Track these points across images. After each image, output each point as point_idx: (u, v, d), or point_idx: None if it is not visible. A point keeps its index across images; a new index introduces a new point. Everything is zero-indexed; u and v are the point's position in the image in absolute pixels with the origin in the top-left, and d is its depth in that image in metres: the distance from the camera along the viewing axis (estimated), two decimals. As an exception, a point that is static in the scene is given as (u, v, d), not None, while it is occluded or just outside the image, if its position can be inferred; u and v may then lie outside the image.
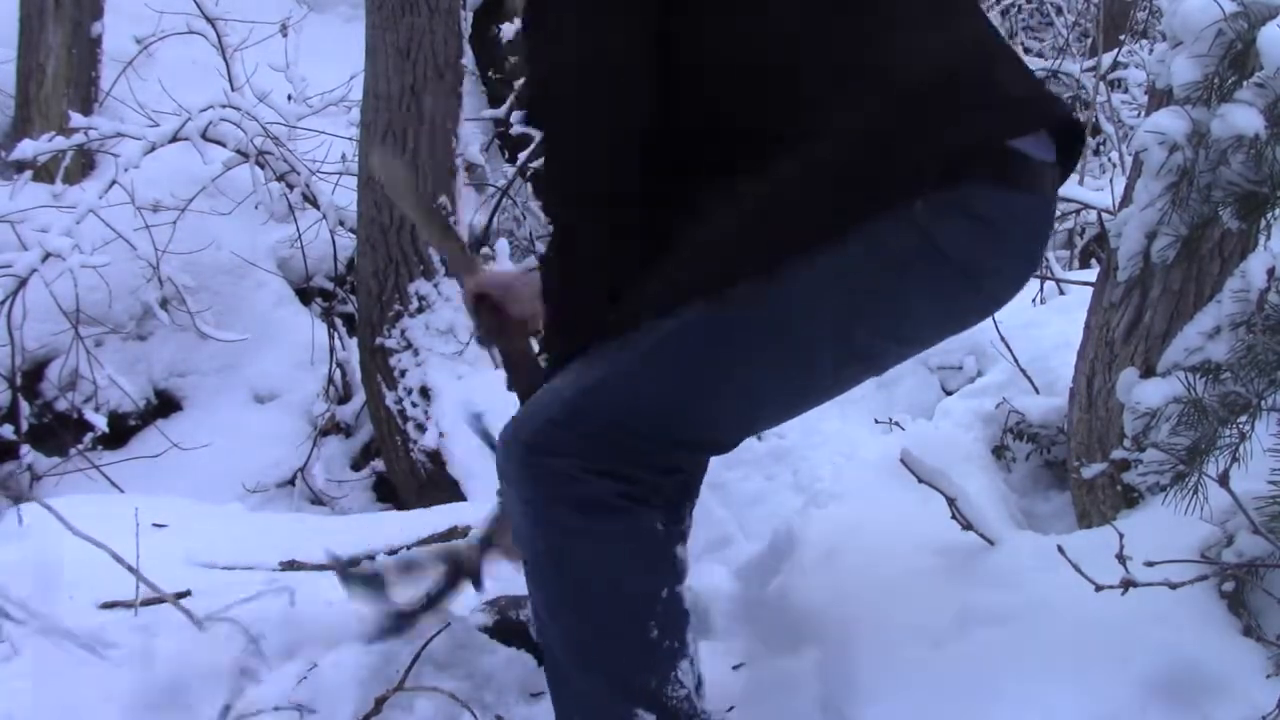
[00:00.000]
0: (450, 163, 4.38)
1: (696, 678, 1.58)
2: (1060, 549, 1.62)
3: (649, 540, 1.55)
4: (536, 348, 1.90)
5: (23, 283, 4.33)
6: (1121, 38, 6.20)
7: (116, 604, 2.09)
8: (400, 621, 1.90)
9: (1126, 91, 6.08)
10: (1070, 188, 4.83)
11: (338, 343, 5.25)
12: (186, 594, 2.05)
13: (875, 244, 1.43)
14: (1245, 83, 1.75)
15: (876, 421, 3.04)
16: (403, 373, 4.31)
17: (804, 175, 1.42)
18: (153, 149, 4.65)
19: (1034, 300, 3.65)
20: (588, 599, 1.53)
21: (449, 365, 4.33)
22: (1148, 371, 2.03)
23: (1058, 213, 5.29)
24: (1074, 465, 2.24)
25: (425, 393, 4.29)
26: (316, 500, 4.89)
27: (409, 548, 2.49)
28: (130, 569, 2.03)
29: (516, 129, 6.38)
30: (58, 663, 1.83)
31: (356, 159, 4.66)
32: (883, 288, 1.48)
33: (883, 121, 1.41)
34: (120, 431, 4.92)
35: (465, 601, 2.17)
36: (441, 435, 4.22)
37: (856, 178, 1.41)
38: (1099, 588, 1.57)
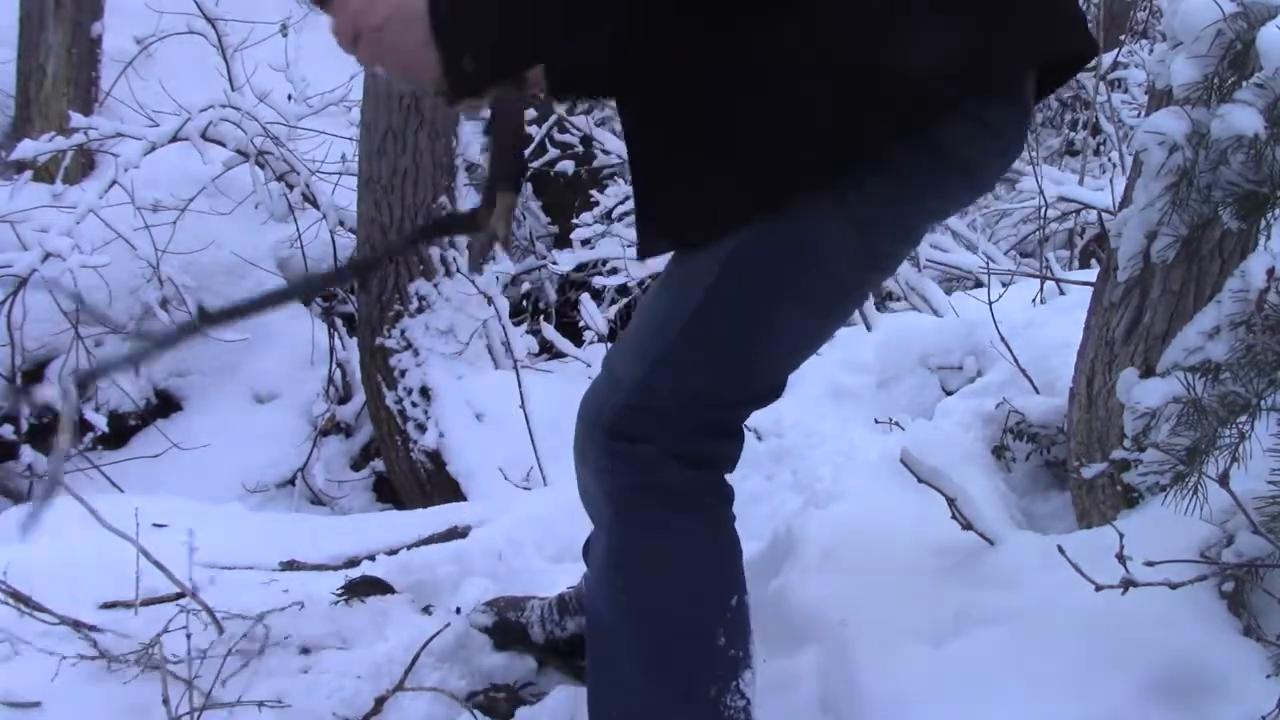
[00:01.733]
0: (450, 163, 4.38)
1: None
2: (1060, 549, 1.62)
3: (725, 542, 1.54)
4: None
5: (22, 282, 4.33)
6: (1121, 38, 6.20)
7: (117, 604, 2.09)
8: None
9: (1126, 91, 6.08)
10: (1070, 188, 4.83)
11: (338, 343, 5.25)
12: (185, 594, 2.06)
13: (904, 167, 1.39)
14: (1245, 83, 1.75)
15: (876, 421, 3.04)
16: (403, 373, 4.31)
17: (853, 83, 1.32)
18: (153, 149, 4.65)
19: (1034, 300, 3.65)
20: (661, 598, 1.51)
21: (449, 365, 4.34)
22: (1148, 371, 2.03)
23: (1057, 213, 5.26)
24: (1074, 465, 2.24)
25: (425, 393, 4.30)
26: (316, 500, 4.89)
27: (409, 547, 2.49)
28: (158, 564, 2.03)
29: (516, 129, 6.36)
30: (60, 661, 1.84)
31: (356, 159, 4.66)
32: (904, 203, 1.46)
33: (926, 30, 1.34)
34: (120, 431, 4.93)
35: (465, 603, 2.18)
36: (441, 435, 4.22)
37: (896, 94, 1.33)
38: (1099, 588, 1.57)
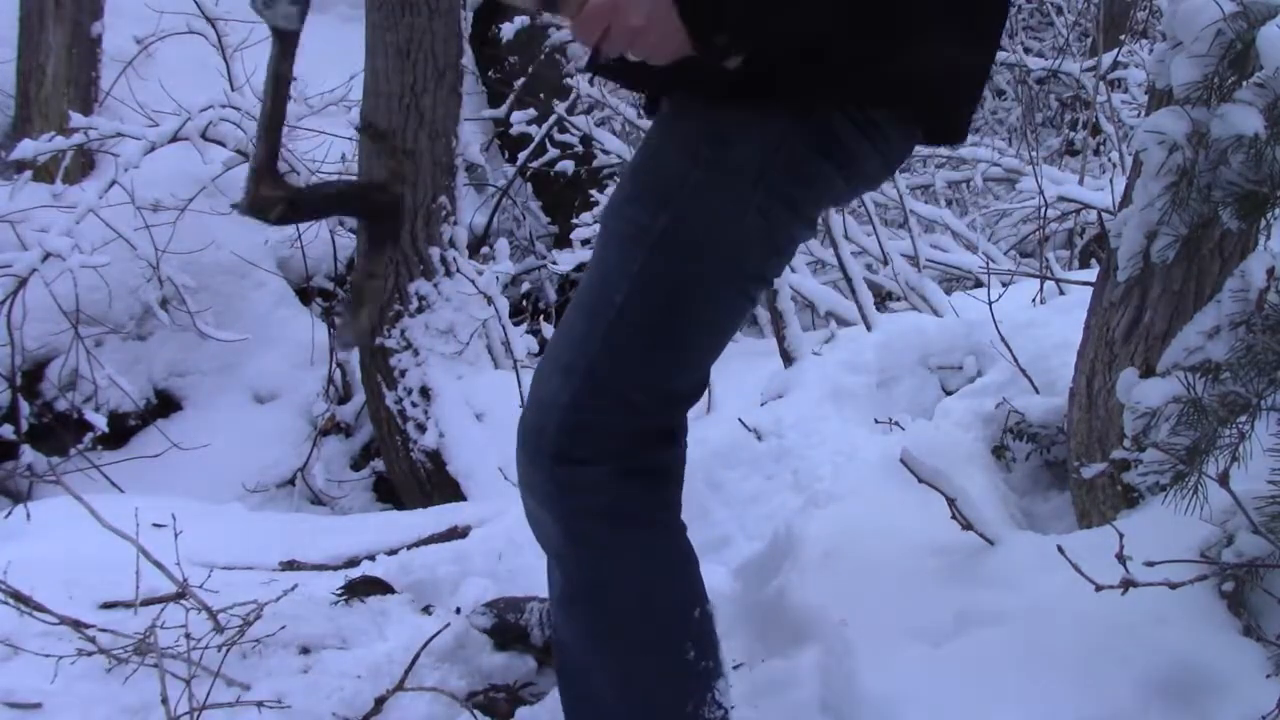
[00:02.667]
0: (450, 163, 4.38)
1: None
2: (1060, 549, 1.62)
3: (681, 555, 1.54)
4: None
5: (22, 282, 4.33)
6: (1121, 38, 6.20)
7: (117, 604, 2.09)
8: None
9: (1126, 91, 6.08)
10: (1070, 188, 4.83)
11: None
12: (185, 594, 2.06)
13: (824, 128, 1.44)
14: (1245, 83, 1.75)
15: (876, 421, 3.04)
16: (403, 373, 4.31)
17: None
18: (153, 149, 4.65)
19: (1034, 300, 3.65)
20: (626, 621, 1.51)
21: (449, 365, 4.33)
22: (1148, 371, 2.03)
23: (1057, 213, 5.25)
24: (1074, 465, 2.24)
25: (425, 393, 4.30)
26: (316, 500, 4.89)
27: (409, 548, 2.49)
28: (158, 564, 2.03)
29: (516, 129, 6.38)
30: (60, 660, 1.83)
31: (356, 159, 4.67)
32: (804, 167, 1.47)
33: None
34: (120, 431, 4.93)
35: (465, 603, 2.18)
36: (441, 435, 4.22)
37: (865, 66, 1.41)
38: (1099, 588, 1.57)
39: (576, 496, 1.49)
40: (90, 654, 1.86)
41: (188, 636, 1.83)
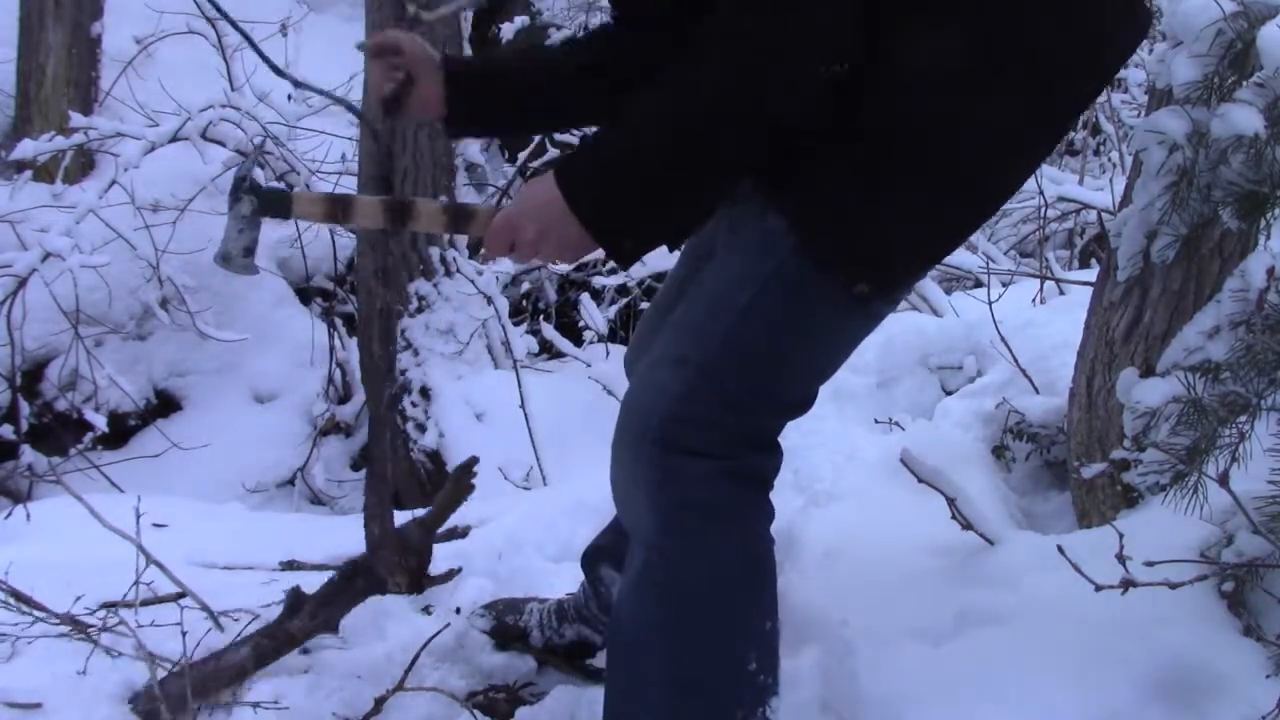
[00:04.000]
0: (450, 163, 4.38)
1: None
2: (1060, 549, 1.62)
3: (765, 565, 1.54)
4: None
5: (22, 282, 4.33)
6: (1121, 38, 6.17)
7: (117, 604, 2.09)
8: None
9: (1126, 91, 6.07)
10: (1070, 187, 4.83)
11: (338, 343, 5.25)
12: (185, 594, 2.06)
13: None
14: (1245, 82, 1.75)
15: (876, 421, 3.04)
16: (403, 372, 4.31)
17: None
18: (153, 149, 4.65)
19: (1034, 300, 3.65)
20: (698, 619, 1.49)
21: (449, 365, 4.33)
22: (1148, 371, 2.03)
23: (1057, 213, 5.25)
24: (1074, 465, 2.24)
25: (425, 393, 4.30)
26: (316, 500, 4.89)
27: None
28: (158, 564, 2.03)
29: (516, 129, 6.37)
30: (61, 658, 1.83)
31: (356, 159, 4.66)
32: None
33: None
34: (120, 431, 4.92)
35: (465, 603, 2.18)
36: (441, 435, 4.22)
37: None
38: (1099, 588, 1.57)
39: (679, 488, 1.47)
40: (90, 654, 1.85)
41: (183, 634, 1.83)
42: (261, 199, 1.57)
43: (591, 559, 1.99)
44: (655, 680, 1.50)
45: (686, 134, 1.32)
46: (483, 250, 1.49)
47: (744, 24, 1.29)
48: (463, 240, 4.47)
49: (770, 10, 1.28)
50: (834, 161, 1.41)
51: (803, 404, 1.58)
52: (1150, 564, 1.57)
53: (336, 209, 1.57)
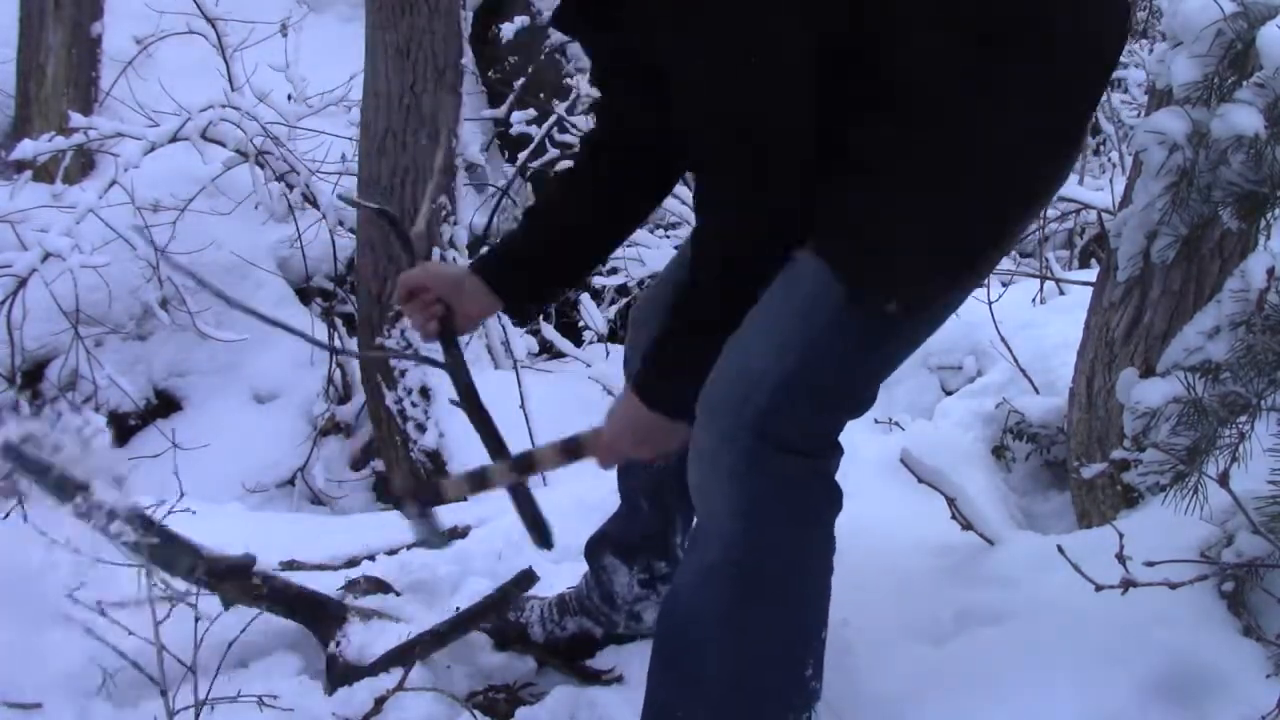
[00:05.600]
0: (450, 163, 4.38)
1: None
2: (1060, 549, 1.63)
3: (829, 570, 1.54)
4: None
5: (22, 282, 4.33)
6: (1121, 38, 6.17)
7: (118, 604, 2.09)
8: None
9: (1126, 91, 6.07)
10: (1070, 188, 4.83)
11: (338, 343, 5.24)
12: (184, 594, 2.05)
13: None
14: (1245, 83, 1.75)
15: (876, 421, 3.03)
16: (402, 373, 4.31)
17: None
18: (153, 149, 4.65)
19: (1034, 300, 3.65)
20: (769, 617, 1.49)
21: (449, 365, 4.33)
22: (1148, 371, 2.03)
23: (1057, 213, 5.27)
24: (1074, 465, 2.24)
25: (425, 393, 4.29)
26: (316, 500, 4.89)
27: (409, 547, 2.49)
28: (144, 564, 2.03)
29: (516, 129, 6.38)
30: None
31: (356, 159, 4.66)
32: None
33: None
34: (120, 431, 4.92)
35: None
36: (441, 435, 4.22)
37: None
38: (1099, 588, 1.57)
39: (769, 479, 1.45)
40: (90, 654, 1.85)
41: (192, 634, 1.82)
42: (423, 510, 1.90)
43: (596, 547, 2.00)
44: (714, 675, 1.49)
45: (710, 325, 1.50)
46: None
47: (726, 224, 1.47)
48: (463, 240, 4.47)
49: (740, 207, 1.45)
50: (848, 191, 1.42)
51: (868, 403, 1.59)
52: (1150, 564, 1.57)
53: (477, 482, 1.89)
